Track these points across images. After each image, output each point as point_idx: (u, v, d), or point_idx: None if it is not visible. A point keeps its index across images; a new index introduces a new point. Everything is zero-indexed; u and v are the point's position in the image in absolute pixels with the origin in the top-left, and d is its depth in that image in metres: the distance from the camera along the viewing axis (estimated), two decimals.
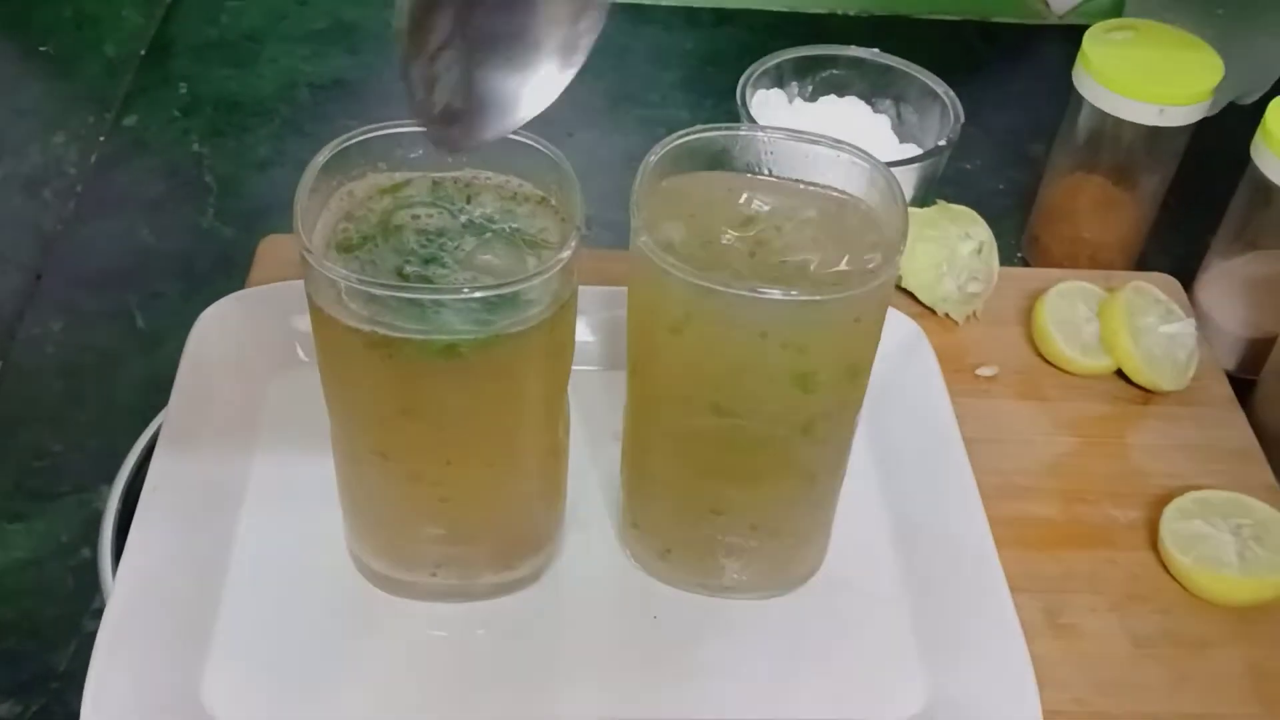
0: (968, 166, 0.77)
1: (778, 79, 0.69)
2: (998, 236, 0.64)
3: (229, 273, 0.65)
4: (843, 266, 0.43)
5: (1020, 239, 0.72)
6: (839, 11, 0.90)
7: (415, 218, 0.42)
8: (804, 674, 0.47)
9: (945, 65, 0.70)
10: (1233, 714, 0.48)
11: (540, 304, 0.40)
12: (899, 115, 0.70)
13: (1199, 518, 0.52)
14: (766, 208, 0.44)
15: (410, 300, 0.39)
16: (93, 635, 0.44)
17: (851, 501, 0.50)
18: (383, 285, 0.39)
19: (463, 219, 0.42)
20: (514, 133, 0.42)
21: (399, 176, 0.43)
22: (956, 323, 0.62)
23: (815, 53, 0.70)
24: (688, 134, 0.44)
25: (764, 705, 0.46)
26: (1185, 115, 0.63)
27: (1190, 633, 0.50)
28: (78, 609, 0.51)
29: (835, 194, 0.44)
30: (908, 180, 0.66)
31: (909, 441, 0.54)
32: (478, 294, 0.39)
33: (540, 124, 0.43)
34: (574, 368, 0.46)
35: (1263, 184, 0.60)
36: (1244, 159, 0.62)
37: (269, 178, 0.73)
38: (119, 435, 0.56)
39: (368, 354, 0.40)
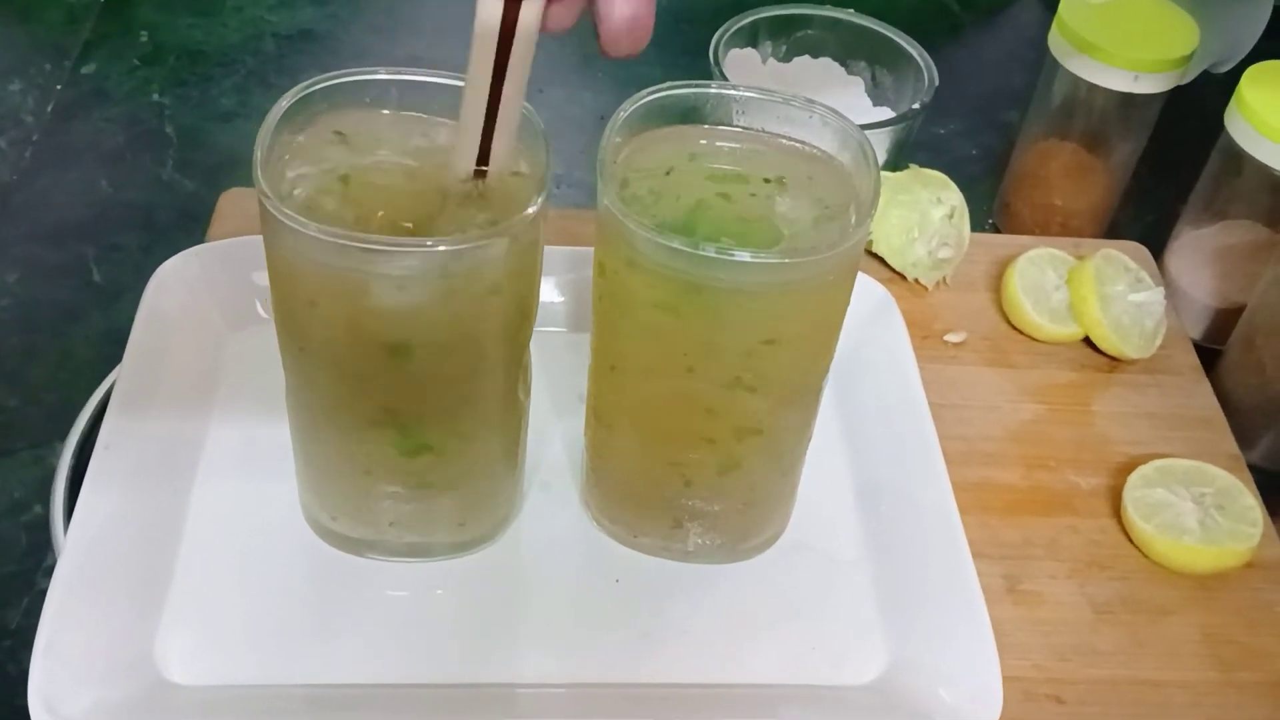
0: (941, 131, 0.77)
1: (751, 38, 0.68)
2: (970, 202, 0.64)
3: (189, 227, 0.63)
4: (815, 228, 0.42)
5: (992, 205, 0.72)
6: None
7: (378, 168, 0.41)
8: (766, 637, 0.47)
9: (922, 29, 0.69)
10: (1190, 680, 0.48)
11: (497, 260, 0.39)
12: (873, 78, 0.69)
13: (1161, 485, 0.53)
14: (738, 165, 0.43)
15: (371, 250, 0.38)
16: (45, 592, 0.43)
17: (817, 465, 0.50)
18: (348, 236, 0.38)
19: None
20: None
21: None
22: (926, 288, 0.62)
23: (790, 12, 0.69)
24: (657, 91, 0.43)
25: (725, 669, 0.46)
26: (1159, 83, 0.63)
27: (1150, 600, 0.50)
28: (30, 566, 0.50)
29: (809, 151, 0.44)
30: (881, 143, 0.65)
31: (876, 406, 0.54)
32: (441, 247, 0.38)
33: None
34: (540, 329, 0.45)
35: (1235, 153, 0.60)
36: (1217, 128, 0.61)
37: (232, 130, 0.71)
38: (74, 391, 0.55)
39: (327, 304, 0.39)
